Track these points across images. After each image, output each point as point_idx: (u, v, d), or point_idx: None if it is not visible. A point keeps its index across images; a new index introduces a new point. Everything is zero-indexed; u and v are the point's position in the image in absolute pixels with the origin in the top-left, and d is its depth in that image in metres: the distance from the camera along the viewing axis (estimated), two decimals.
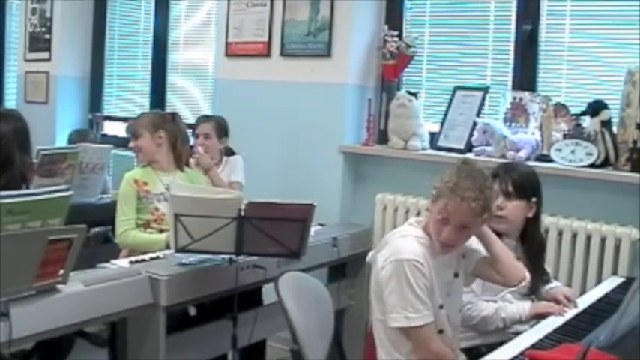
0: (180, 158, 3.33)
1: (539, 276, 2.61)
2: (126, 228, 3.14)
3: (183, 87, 5.04)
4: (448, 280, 2.30)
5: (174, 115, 3.42)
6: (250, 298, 3.08)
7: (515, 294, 2.58)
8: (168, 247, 2.92)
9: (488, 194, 2.18)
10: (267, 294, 3.12)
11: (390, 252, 2.21)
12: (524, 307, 2.49)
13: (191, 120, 4.59)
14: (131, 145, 3.34)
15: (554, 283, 2.74)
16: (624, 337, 1.81)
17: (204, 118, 3.86)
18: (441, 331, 2.26)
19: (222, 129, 3.79)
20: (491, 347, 2.19)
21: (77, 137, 4.44)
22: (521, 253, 2.57)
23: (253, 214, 2.58)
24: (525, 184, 2.58)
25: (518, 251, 2.57)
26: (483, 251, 2.36)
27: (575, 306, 2.48)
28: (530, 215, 2.58)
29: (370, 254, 2.41)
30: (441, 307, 2.25)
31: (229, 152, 3.86)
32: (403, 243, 2.22)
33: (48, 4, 5.38)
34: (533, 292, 2.58)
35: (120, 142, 4.84)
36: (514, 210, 2.55)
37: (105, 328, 3.03)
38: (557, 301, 2.51)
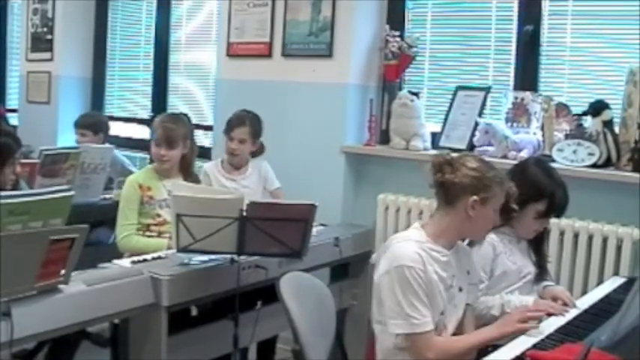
0: (188, 165, 3.32)
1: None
2: (128, 233, 3.14)
3: (185, 87, 5.03)
4: (452, 286, 2.28)
5: (189, 120, 3.40)
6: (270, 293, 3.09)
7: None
8: None
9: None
10: None
11: (391, 257, 2.20)
12: (528, 302, 2.49)
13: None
14: (163, 152, 3.21)
15: (549, 282, 2.75)
16: (626, 338, 1.81)
17: (239, 121, 3.57)
18: None
19: (257, 132, 3.59)
20: (497, 347, 2.19)
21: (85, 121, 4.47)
22: None
23: (255, 214, 2.58)
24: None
25: None
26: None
27: (575, 306, 2.48)
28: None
29: (374, 256, 2.41)
30: (442, 313, 2.24)
31: (260, 148, 3.68)
32: (404, 248, 2.20)
33: (49, 4, 5.38)
34: None
35: (122, 142, 4.84)
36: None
37: (107, 328, 3.05)
38: (556, 300, 2.52)
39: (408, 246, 2.20)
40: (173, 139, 3.21)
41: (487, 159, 3.28)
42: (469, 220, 2.23)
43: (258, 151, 3.67)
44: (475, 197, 2.20)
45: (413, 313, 2.12)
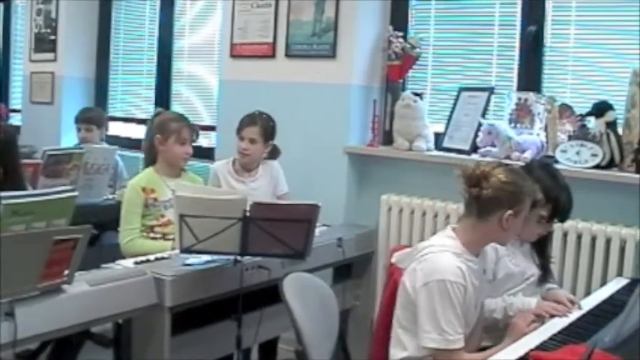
0: None
1: None
2: (131, 237, 3.13)
3: (187, 87, 5.05)
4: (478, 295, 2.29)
5: None
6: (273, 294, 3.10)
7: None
8: None
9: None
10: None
11: (430, 269, 2.18)
12: (531, 304, 2.48)
13: (195, 118, 4.63)
14: (190, 151, 3.31)
15: (552, 285, 2.74)
16: (629, 339, 1.81)
17: (250, 120, 3.54)
18: None
19: (269, 133, 3.54)
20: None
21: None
22: None
23: (258, 214, 2.58)
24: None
25: None
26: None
27: (580, 307, 2.48)
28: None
29: (398, 255, 2.41)
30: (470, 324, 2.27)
31: (275, 151, 3.65)
32: (445, 261, 2.19)
33: (53, 4, 5.39)
34: None
35: (125, 143, 4.85)
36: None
37: (110, 329, 3.05)
38: (559, 303, 2.51)
39: (448, 259, 2.19)
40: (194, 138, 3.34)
41: (490, 160, 3.33)
42: (501, 231, 2.24)
43: (272, 155, 3.63)
44: (510, 211, 2.21)
45: (449, 328, 2.12)
